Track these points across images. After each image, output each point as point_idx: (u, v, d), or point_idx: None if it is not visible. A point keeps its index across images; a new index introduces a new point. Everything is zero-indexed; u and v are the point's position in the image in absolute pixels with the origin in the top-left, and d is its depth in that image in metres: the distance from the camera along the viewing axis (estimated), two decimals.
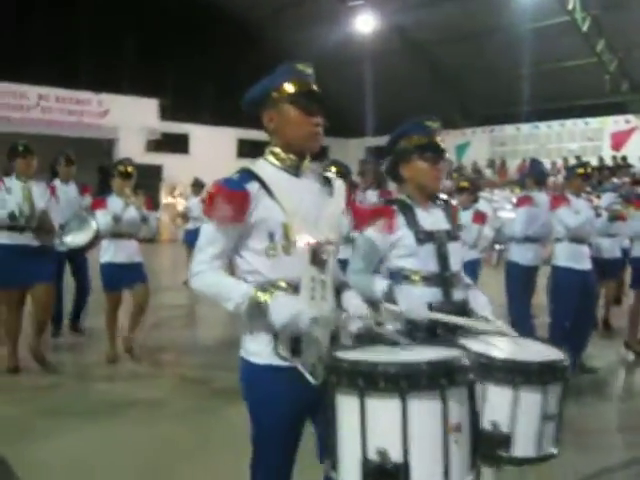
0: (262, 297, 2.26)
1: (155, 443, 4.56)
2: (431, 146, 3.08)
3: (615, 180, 18.16)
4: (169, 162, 25.39)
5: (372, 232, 3.09)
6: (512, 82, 22.01)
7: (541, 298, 7.36)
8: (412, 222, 3.07)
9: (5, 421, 4.82)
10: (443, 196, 3.23)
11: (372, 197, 7.72)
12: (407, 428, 1.94)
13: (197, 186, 12.43)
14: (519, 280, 6.98)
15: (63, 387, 5.82)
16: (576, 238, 6.27)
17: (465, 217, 6.84)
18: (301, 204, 2.41)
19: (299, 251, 2.35)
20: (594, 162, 21.31)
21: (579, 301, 6.32)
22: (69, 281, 7.82)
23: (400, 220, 3.08)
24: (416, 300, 2.94)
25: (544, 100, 22.36)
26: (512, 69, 21.54)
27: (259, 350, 2.35)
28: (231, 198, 2.34)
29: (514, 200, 7.75)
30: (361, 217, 3.14)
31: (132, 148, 22.46)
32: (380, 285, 2.99)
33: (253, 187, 2.38)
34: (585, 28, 19.87)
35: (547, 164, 21.69)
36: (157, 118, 25.61)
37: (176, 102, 26.02)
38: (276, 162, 2.49)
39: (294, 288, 2.33)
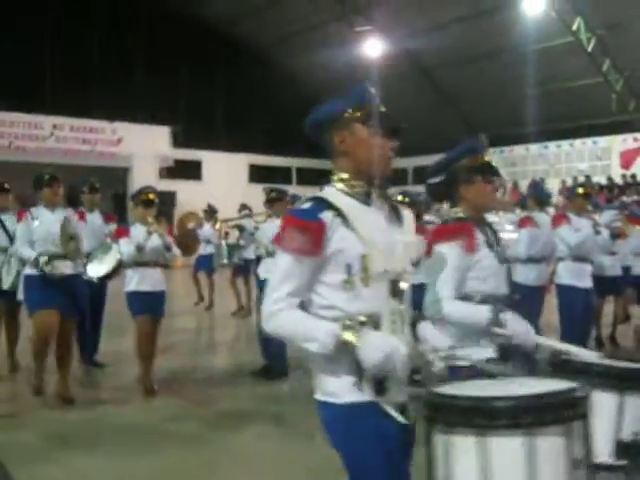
0: (349, 336, 2.10)
1: (163, 470, 4.62)
2: (492, 167, 3.11)
3: (624, 198, 18.24)
4: (182, 188, 25.67)
5: (454, 251, 2.94)
6: (520, 103, 22.14)
7: (549, 318, 7.46)
8: (491, 241, 3.01)
9: (18, 444, 4.88)
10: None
11: None
12: (534, 467, 1.81)
13: (209, 212, 12.61)
14: (523, 301, 7.07)
15: (74, 412, 5.82)
16: (578, 256, 6.41)
17: None
18: (376, 233, 2.25)
19: (378, 283, 2.21)
20: (603, 181, 21.44)
21: (580, 318, 6.45)
22: None
23: (480, 239, 3.00)
24: (524, 325, 2.83)
25: (552, 120, 22.50)
26: (519, 90, 21.71)
27: (340, 389, 2.18)
28: (306, 229, 2.18)
29: (515, 221, 7.87)
30: (437, 236, 3.04)
31: (146, 175, 22.79)
32: (483, 311, 2.85)
33: (327, 217, 2.21)
34: (590, 48, 20.08)
35: (557, 184, 21.91)
36: (170, 145, 25.98)
37: (188, 129, 26.37)
38: (346, 189, 2.33)
39: (374, 322, 2.18)
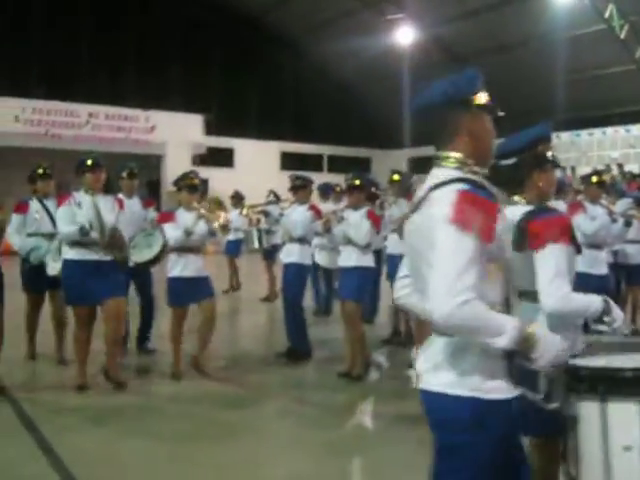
0: (532, 330, 2.03)
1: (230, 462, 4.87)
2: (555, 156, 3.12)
3: None
4: (215, 176, 25.96)
5: (565, 246, 2.85)
6: (551, 91, 22.06)
7: None
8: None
9: (73, 442, 4.74)
10: None
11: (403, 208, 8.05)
12: None
13: (237, 198, 12.89)
14: None
15: (130, 407, 5.67)
16: (593, 244, 6.54)
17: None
18: None
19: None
20: (636, 169, 21.27)
21: None
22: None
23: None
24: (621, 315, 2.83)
25: (584, 108, 22.38)
26: (550, 77, 21.59)
27: (498, 385, 2.09)
28: (491, 211, 2.05)
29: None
30: (548, 231, 2.83)
31: (179, 163, 23.14)
32: (595, 301, 2.83)
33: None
34: (623, 35, 19.90)
35: (589, 172, 21.79)
36: (203, 133, 26.34)
37: (221, 117, 26.73)
38: (470, 175, 2.18)
39: (507, 311, 2.14)
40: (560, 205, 7.09)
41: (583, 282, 6.64)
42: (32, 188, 7.11)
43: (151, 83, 25.11)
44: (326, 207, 8.76)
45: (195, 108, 25.70)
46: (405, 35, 23.36)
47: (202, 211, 6.39)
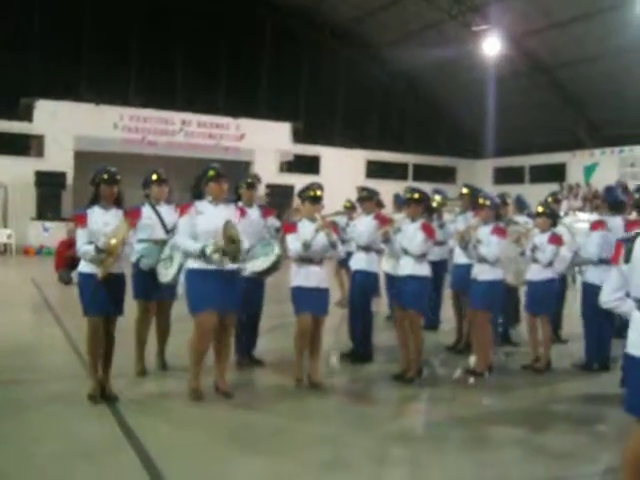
0: None
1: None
2: None
3: None
4: (301, 182, 26.49)
5: None
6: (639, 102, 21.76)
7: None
8: None
9: (183, 456, 4.71)
10: None
11: (469, 219, 8.39)
12: None
13: None
14: (593, 300, 7.46)
15: (245, 419, 5.64)
16: None
17: (542, 239, 7.46)
18: None
19: None
20: None
21: None
22: None
23: None
24: None
25: None
26: (639, 88, 21.29)
27: None
28: None
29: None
30: None
31: (267, 169, 23.99)
32: None
33: None
34: None
35: None
36: (290, 141, 27.09)
37: (308, 125, 27.41)
38: None
39: None
40: (616, 221, 7.31)
41: None
42: (145, 193, 7.02)
43: (242, 92, 26.18)
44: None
45: (283, 116, 26.53)
46: (491, 46, 23.38)
47: (321, 223, 6.42)
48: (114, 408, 5.61)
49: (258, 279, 6.97)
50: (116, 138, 23.91)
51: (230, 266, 5.91)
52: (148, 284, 6.62)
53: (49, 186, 22.47)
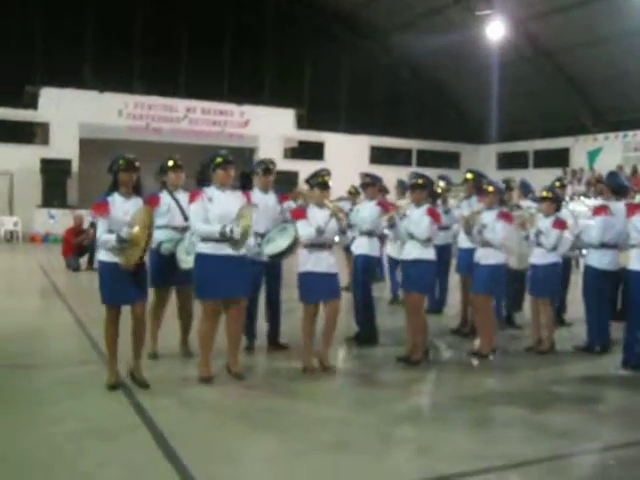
0: None
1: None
2: None
3: None
4: (305, 168, 26.60)
5: None
6: None
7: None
8: None
9: (196, 436, 4.78)
10: None
11: (473, 204, 8.50)
12: None
13: None
14: (594, 283, 7.63)
15: (256, 401, 5.70)
16: None
17: (546, 223, 7.57)
18: None
19: None
20: None
21: None
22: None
23: None
24: None
25: None
26: None
27: None
28: None
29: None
30: None
31: (271, 155, 23.66)
32: None
33: None
34: None
35: None
36: (294, 127, 27.18)
37: (312, 111, 27.49)
38: None
39: None
40: (619, 205, 7.41)
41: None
42: (162, 180, 7.06)
43: (246, 79, 26.25)
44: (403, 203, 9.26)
45: (287, 103, 26.63)
46: (495, 31, 23.36)
47: (334, 209, 6.49)
48: (128, 391, 5.74)
49: (274, 262, 7.03)
50: (120, 125, 24.03)
51: (241, 251, 5.96)
52: (165, 271, 6.69)
53: (54, 173, 22.65)
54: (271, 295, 7.43)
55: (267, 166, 7.40)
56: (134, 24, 25.08)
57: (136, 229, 5.57)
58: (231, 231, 5.79)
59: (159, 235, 6.61)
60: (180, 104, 25.13)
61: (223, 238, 5.84)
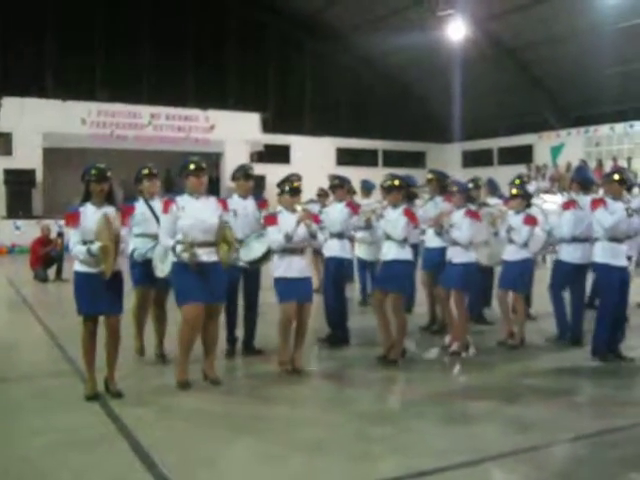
0: None
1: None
2: None
3: None
4: (272, 172, 26.71)
5: None
6: (604, 82, 22.14)
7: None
8: None
9: (174, 442, 4.81)
10: None
11: (438, 203, 8.58)
12: None
13: None
14: (563, 276, 7.78)
15: (232, 405, 5.75)
16: (613, 237, 6.96)
17: (517, 220, 7.69)
18: None
19: None
20: None
21: (618, 294, 7.03)
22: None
23: None
24: None
25: (637, 99, 22.37)
26: (603, 69, 21.68)
27: None
28: None
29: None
30: None
31: (237, 160, 23.82)
32: None
33: None
34: None
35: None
36: (260, 131, 27.17)
37: (277, 115, 27.54)
38: None
39: None
40: (586, 200, 7.55)
41: (605, 273, 7.13)
42: (137, 189, 7.11)
43: (210, 84, 26.28)
44: (367, 203, 9.33)
45: (252, 107, 26.64)
46: (456, 31, 23.62)
47: (302, 215, 6.53)
48: (104, 401, 5.71)
49: (252, 269, 7.09)
50: (84, 134, 23.80)
51: (211, 258, 5.98)
52: (146, 272, 6.74)
53: (18, 184, 22.44)
54: (249, 299, 7.42)
55: (247, 171, 7.39)
56: (95, 32, 24.96)
57: (97, 244, 5.53)
58: (180, 252, 5.85)
59: (135, 243, 6.72)
60: (144, 110, 24.98)
61: (173, 253, 5.91)
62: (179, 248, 5.88)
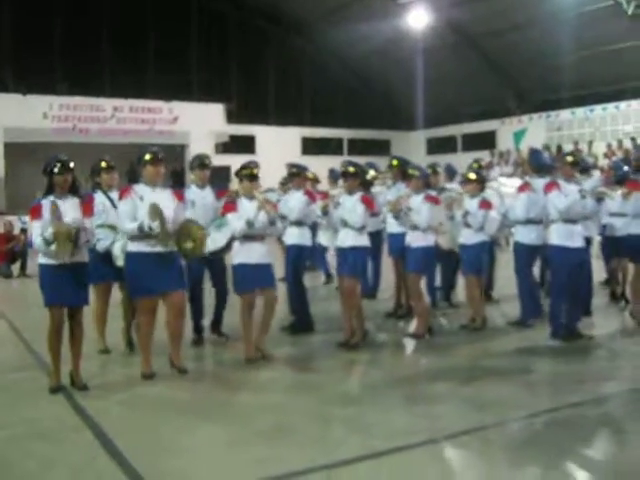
0: None
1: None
2: None
3: None
4: (237, 163, 26.57)
5: None
6: (564, 67, 22.37)
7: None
8: None
9: (138, 431, 4.89)
10: None
11: (401, 189, 8.70)
12: None
13: None
14: (524, 258, 7.96)
15: (198, 393, 5.86)
16: (568, 219, 7.14)
17: (472, 204, 7.84)
18: None
19: None
20: None
21: (575, 275, 7.21)
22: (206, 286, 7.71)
23: None
24: None
25: (597, 84, 22.71)
26: (563, 55, 21.90)
27: None
28: None
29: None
30: None
31: (202, 151, 23.78)
32: None
33: None
34: (630, 11, 20.16)
35: (603, 147, 22.17)
36: (224, 122, 27.02)
37: (242, 105, 27.44)
38: None
39: None
40: (540, 183, 7.72)
41: (559, 254, 7.32)
42: (95, 181, 7.16)
43: (172, 75, 26.03)
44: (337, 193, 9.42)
45: (216, 98, 26.46)
46: (418, 18, 23.75)
47: (262, 201, 6.61)
48: (68, 394, 5.75)
49: (216, 258, 7.14)
50: (46, 128, 23.46)
51: (169, 247, 5.99)
52: (104, 267, 6.74)
53: None
54: (217, 286, 7.51)
55: (202, 161, 7.45)
56: (53, 24, 24.63)
57: (50, 230, 5.49)
58: (149, 227, 5.84)
59: (97, 233, 6.63)
60: (107, 103, 24.69)
61: (143, 234, 5.88)
62: (147, 222, 5.82)
